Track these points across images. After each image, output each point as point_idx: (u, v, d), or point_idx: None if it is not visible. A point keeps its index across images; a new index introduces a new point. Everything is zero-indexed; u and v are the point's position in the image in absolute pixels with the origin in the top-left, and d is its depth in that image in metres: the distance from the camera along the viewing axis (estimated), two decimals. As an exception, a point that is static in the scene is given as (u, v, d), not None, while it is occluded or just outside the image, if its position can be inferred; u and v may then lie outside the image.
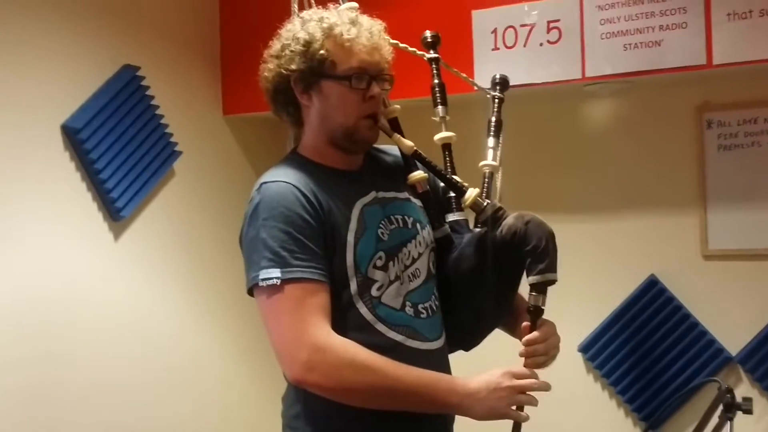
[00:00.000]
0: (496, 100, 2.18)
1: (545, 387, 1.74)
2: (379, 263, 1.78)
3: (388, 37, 1.87)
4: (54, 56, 3.11)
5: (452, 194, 1.96)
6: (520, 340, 1.79)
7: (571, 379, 3.38)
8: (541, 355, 1.78)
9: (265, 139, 3.94)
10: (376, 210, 1.82)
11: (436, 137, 2.02)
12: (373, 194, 1.84)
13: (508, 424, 1.76)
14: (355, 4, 1.93)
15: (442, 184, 1.97)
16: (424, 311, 1.83)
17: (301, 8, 2.04)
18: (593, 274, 3.41)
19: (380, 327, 1.76)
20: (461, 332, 1.93)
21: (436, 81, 2.08)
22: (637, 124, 3.42)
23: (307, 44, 1.79)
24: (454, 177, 1.93)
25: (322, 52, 1.77)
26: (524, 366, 1.76)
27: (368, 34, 1.80)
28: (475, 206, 1.85)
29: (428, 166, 1.90)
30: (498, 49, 3.23)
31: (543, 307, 1.79)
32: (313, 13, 1.87)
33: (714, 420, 2.25)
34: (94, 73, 3.24)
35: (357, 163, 1.89)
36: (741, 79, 3.15)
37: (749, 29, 2.83)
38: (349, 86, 1.78)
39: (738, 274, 3.21)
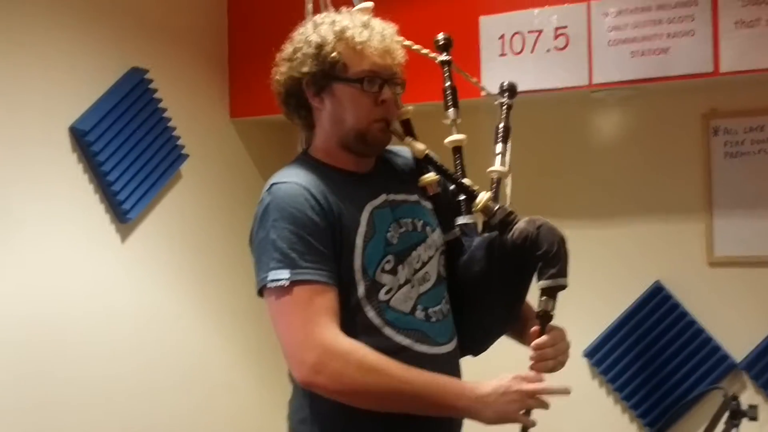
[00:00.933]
0: (504, 107, 2.18)
1: (561, 391, 1.74)
2: (387, 267, 1.78)
3: (400, 39, 1.87)
4: (62, 59, 3.12)
5: (463, 197, 1.95)
6: (529, 345, 1.79)
7: (576, 384, 3.30)
8: (549, 359, 1.77)
9: (272, 142, 3.95)
10: (386, 213, 1.82)
11: (447, 140, 2.02)
12: (383, 197, 1.84)
13: (516, 428, 1.76)
14: (370, 4, 1.93)
15: (452, 187, 1.97)
16: (434, 315, 1.83)
17: (316, 11, 2.05)
18: (599, 279, 3.41)
19: (387, 331, 1.76)
20: (469, 337, 1.92)
21: (447, 84, 2.08)
22: (644, 131, 3.43)
23: (319, 47, 1.79)
24: (465, 180, 1.92)
25: (334, 55, 1.78)
26: (533, 370, 1.76)
27: (380, 37, 1.80)
28: (486, 210, 1.84)
29: (439, 170, 1.89)
30: (505, 55, 3.24)
31: (552, 313, 1.79)
32: (325, 17, 1.87)
33: (720, 427, 2.25)
34: (102, 76, 3.25)
35: (368, 165, 1.89)
36: (748, 87, 3.16)
37: (756, 37, 2.85)
38: (360, 89, 1.78)
39: (744, 281, 3.22)
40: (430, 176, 1.92)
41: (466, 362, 1.95)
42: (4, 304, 2.87)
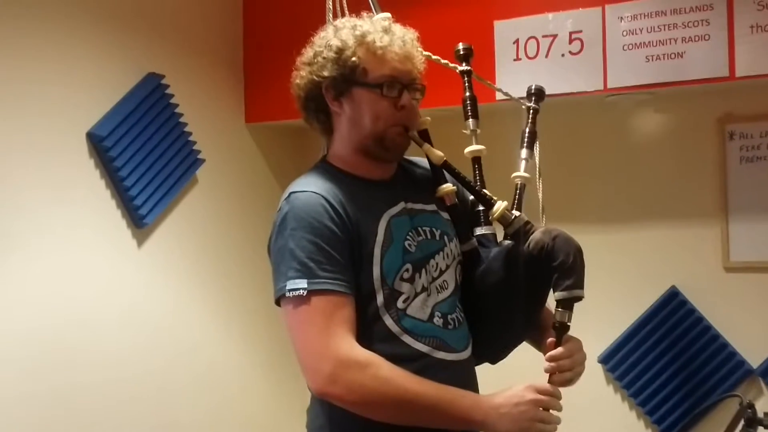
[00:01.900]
0: (531, 111, 2.17)
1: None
2: (405, 275, 1.77)
3: (421, 49, 1.87)
4: (79, 64, 3.14)
5: (481, 207, 1.95)
6: (546, 355, 1.78)
7: (591, 390, 3.37)
8: (566, 371, 1.77)
9: (287, 146, 3.97)
10: (404, 221, 1.82)
11: (467, 150, 2.02)
12: (401, 205, 1.84)
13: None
14: (389, 14, 1.93)
15: (471, 197, 1.96)
16: (452, 322, 1.83)
17: (335, 17, 2.06)
18: (614, 284, 3.40)
19: (406, 339, 1.76)
20: (488, 345, 1.92)
21: (467, 94, 2.08)
22: (659, 136, 3.42)
23: (340, 51, 1.79)
24: (483, 190, 1.92)
25: (354, 59, 1.78)
26: (549, 383, 1.75)
27: (401, 42, 1.80)
28: (503, 219, 1.84)
29: (457, 177, 1.89)
30: (520, 59, 3.24)
31: (569, 324, 1.79)
32: (346, 21, 1.87)
33: (736, 435, 2.24)
34: (119, 81, 3.27)
35: (387, 172, 1.88)
36: (763, 92, 3.14)
37: (772, 42, 2.83)
38: (380, 94, 1.78)
39: (760, 286, 3.20)
40: (448, 187, 1.92)
41: (484, 370, 1.95)
42: (21, 309, 2.90)
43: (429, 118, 1.94)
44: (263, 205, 3.73)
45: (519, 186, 2.04)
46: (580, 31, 3.13)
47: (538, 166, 2.10)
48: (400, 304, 1.77)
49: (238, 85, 3.84)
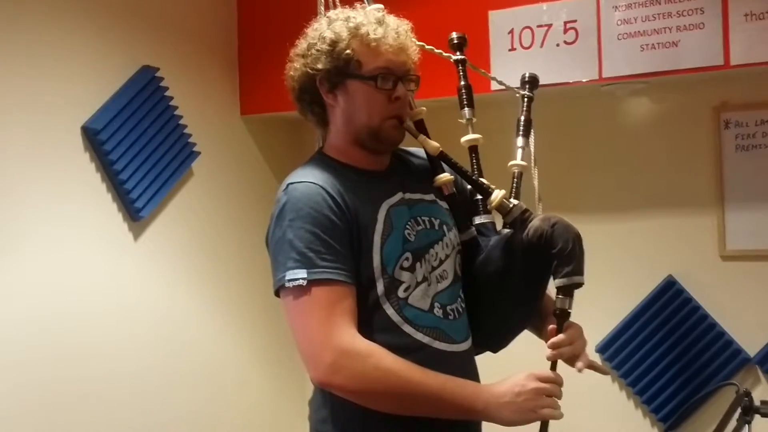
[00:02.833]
0: (526, 99, 2.17)
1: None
2: (405, 264, 1.77)
3: (414, 39, 1.86)
4: (74, 58, 3.13)
5: (479, 196, 1.95)
6: (547, 342, 1.78)
7: (589, 380, 3.35)
8: (567, 358, 1.77)
9: (283, 138, 3.97)
10: (402, 210, 1.82)
11: (463, 139, 2.02)
12: (399, 195, 1.83)
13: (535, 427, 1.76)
14: (381, 6, 1.92)
15: (468, 186, 1.96)
16: (452, 312, 1.83)
17: (327, 8, 2.04)
18: (611, 274, 3.40)
19: (407, 328, 1.75)
20: (489, 334, 1.92)
21: (462, 83, 2.07)
22: (654, 125, 3.42)
23: (334, 44, 1.78)
24: (481, 179, 1.92)
25: (348, 51, 1.77)
26: (552, 370, 1.75)
27: (395, 34, 1.79)
28: (501, 208, 1.83)
29: (454, 167, 1.89)
30: (515, 49, 3.24)
31: (569, 310, 1.79)
32: (339, 13, 1.86)
33: (732, 423, 2.25)
34: (113, 75, 3.26)
35: (383, 163, 1.88)
36: (758, 80, 3.15)
37: (767, 30, 2.83)
38: (374, 86, 1.78)
39: (756, 275, 3.21)
40: (445, 176, 1.91)
41: (485, 359, 1.95)
42: (17, 303, 2.90)
43: (424, 108, 1.93)
44: (259, 197, 3.73)
45: (516, 174, 2.04)
46: (575, 21, 3.13)
47: (533, 154, 2.10)
48: (401, 293, 1.76)
49: (232, 77, 3.84)
